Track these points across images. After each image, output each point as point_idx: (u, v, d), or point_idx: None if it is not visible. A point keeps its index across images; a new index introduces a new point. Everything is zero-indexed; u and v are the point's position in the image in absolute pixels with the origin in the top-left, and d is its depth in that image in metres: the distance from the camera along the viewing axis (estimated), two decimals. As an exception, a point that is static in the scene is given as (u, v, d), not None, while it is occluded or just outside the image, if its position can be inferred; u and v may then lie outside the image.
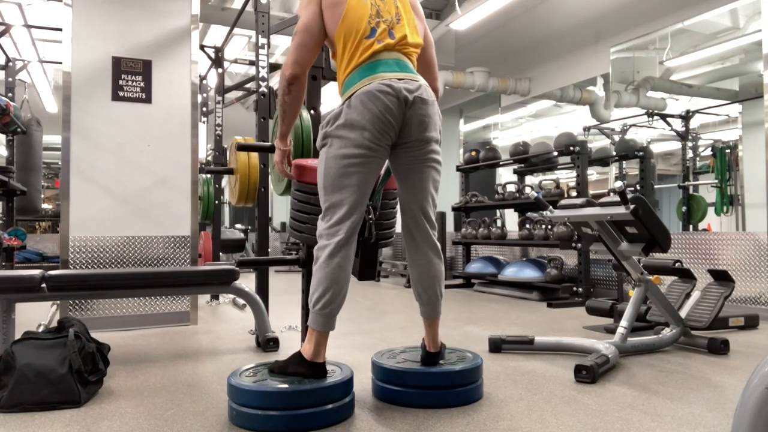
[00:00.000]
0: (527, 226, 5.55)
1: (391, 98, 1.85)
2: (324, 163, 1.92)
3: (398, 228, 2.18)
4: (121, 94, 3.67)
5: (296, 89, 2.01)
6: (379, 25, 1.95)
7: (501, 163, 6.32)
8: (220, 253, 5.70)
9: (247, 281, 3.35)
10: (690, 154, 5.86)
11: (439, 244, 2.09)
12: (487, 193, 6.53)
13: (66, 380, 2.00)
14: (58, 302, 3.57)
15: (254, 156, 3.90)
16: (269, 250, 3.67)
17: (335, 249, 1.87)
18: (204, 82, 6.54)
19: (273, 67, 4.40)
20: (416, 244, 2.05)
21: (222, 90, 5.73)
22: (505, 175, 7.26)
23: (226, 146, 5.42)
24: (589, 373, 2.30)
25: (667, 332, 2.95)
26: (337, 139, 1.89)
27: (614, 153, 5.78)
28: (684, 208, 5.69)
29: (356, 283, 6.28)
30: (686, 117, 5.73)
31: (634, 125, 6.07)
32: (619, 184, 2.61)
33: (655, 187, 5.47)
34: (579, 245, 4.84)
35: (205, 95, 6.90)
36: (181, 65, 3.82)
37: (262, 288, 3.47)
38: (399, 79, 1.89)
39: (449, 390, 2.01)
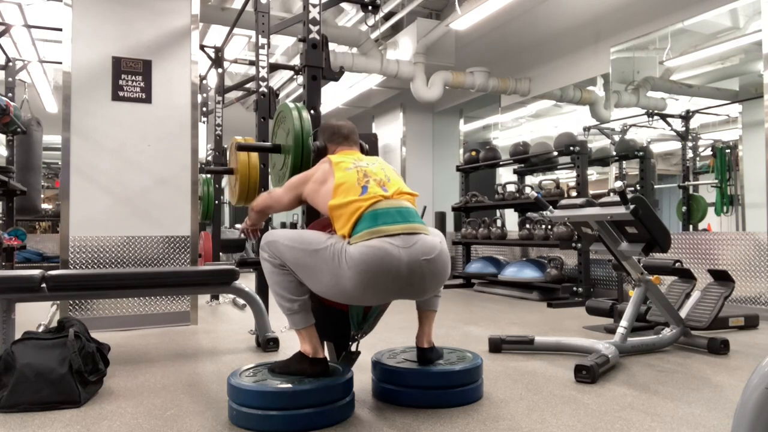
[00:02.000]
0: (527, 226, 5.55)
1: (392, 267, 1.77)
2: (326, 267, 1.82)
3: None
4: (121, 94, 3.67)
5: (258, 215, 2.32)
6: (369, 182, 1.94)
7: (501, 163, 6.31)
8: (220, 253, 5.69)
9: (247, 281, 3.35)
10: (690, 154, 5.85)
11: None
12: (487, 193, 6.53)
13: (66, 380, 2.00)
14: (58, 302, 3.57)
15: (254, 156, 3.89)
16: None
17: (282, 264, 1.92)
18: (204, 82, 6.53)
19: (273, 67, 4.39)
20: None
21: (222, 90, 5.72)
22: (505, 175, 7.26)
23: (226, 146, 5.42)
24: (589, 373, 2.30)
25: (667, 332, 2.95)
26: (346, 280, 1.79)
27: (614, 153, 5.77)
28: (684, 208, 5.68)
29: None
30: (686, 117, 5.73)
31: (634, 125, 6.07)
32: (619, 184, 2.61)
33: (655, 187, 5.47)
34: (579, 245, 4.84)
35: (205, 95, 6.90)
36: (181, 65, 3.82)
37: (262, 288, 3.47)
38: (407, 234, 1.83)
39: (449, 390, 2.01)
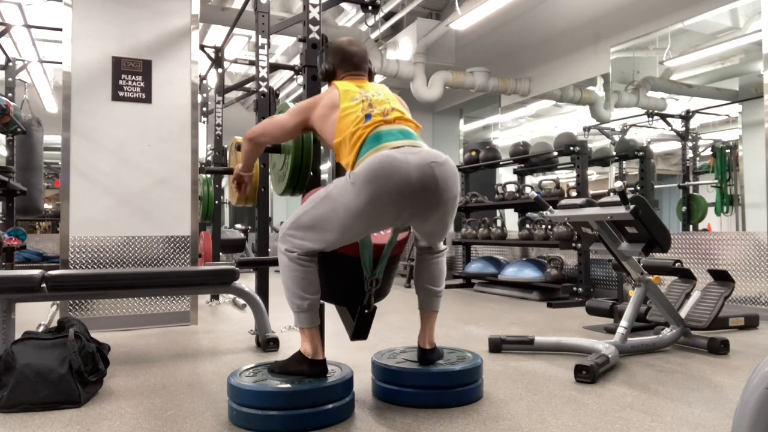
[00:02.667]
0: (527, 226, 5.55)
1: (402, 173, 1.74)
2: (325, 197, 1.85)
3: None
4: (121, 94, 3.67)
5: (252, 146, 2.16)
6: (373, 112, 1.94)
7: (501, 163, 6.32)
8: (220, 253, 5.69)
9: (247, 281, 3.35)
10: (690, 154, 5.86)
11: (445, 246, 2.15)
12: (487, 193, 6.53)
13: (66, 380, 2.00)
14: (58, 302, 3.57)
15: (254, 156, 3.89)
16: (269, 250, 3.67)
17: (301, 256, 1.88)
18: (204, 82, 6.53)
19: (273, 67, 4.39)
20: (424, 246, 2.13)
21: (222, 90, 5.72)
22: (505, 175, 7.26)
23: (226, 146, 5.42)
24: (589, 373, 2.30)
25: (667, 332, 2.95)
26: (341, 203, 1.79)
27: (614, 153, 5.78)
28: (684, 208, 5.68)
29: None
30: (686, 117, 5.73)
31: (634, 125, 6.07)
32: (619, 184, 2.61)
33: (655, 187, 5.47)
34: (579, 245, 4.84)
35: (205, 95, 6.90)
36: (181, 65, 3.82)
37: (262, 288, 3.47)
38: (412, 146, 1.84)
39: (449, 390, 2.01)
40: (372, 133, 1.88)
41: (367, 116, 1.91)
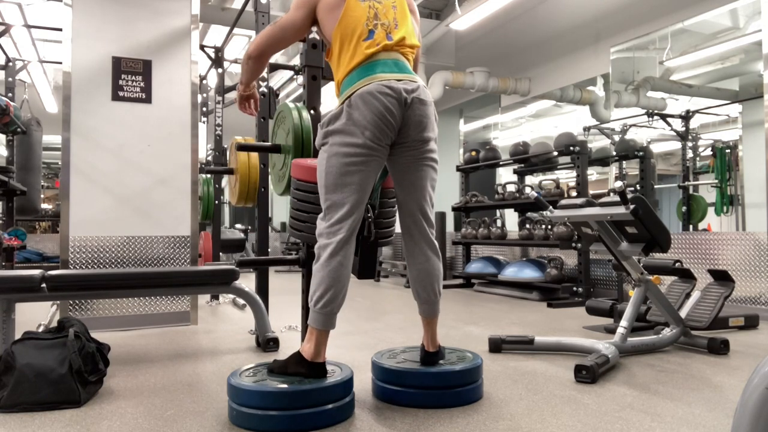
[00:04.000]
0: (527, 226, 5.55)
1: (390, 99, 1.87)
2: (324, 162, 1.93)
3: (398, 228, 2.19)
4: (121, 94, 3.67)
5: (255, 64, 2.10)
6: (377, 27, 1.96)
7: (501, 163, 6.32)
8: (220, 253, 5.69)
9: (247, 281, 3.35)
10: (690, 154, 5.86)
11: (437, 243, 2.11)
12: (487, 193, 6.53)
13: (66, 380, 2.00)
14: (58, 302, 3.57)
15: (254, 156, 3.90)
16: (269, 250, 3.67)
17: (336, 248, 1.87)
18: (204, 82, 6.54)
19: (273, 67, 4.39)
20: (414, 242, 2.07)
21: (222, 90, 5.73)
22: (505, 175, 7.26)
23: (226, 146, 5.42)
24: (589, 373, 2.30)
25: (667, 332, 2.95)
26: (338, 138, 1.89)
27: (614, 153, 5.78)
28: (684, 208, 5.69)
29: (356, 283, 6.29)
30: (686, 117, 5.73)
31: (634, 125, 6.07)
32: (619, 184, 2.61)
33: (655, 187, 5.47)
34: (579, 245, 4.84)
35: (205, 95, 6.90)
36: (181, 65, 3.82)
37: (262, 288, 3.47)
38: (398, 80, 1.91)
39: (449, 390, 2.01)
40: (368, 62, 1.92)
41: (371, 32, 1.94)
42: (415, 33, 2.11)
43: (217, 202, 5.69)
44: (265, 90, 3.66)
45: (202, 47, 5.43)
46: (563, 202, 3.07)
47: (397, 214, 2.17)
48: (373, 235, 2.10)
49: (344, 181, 1.88)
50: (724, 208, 5.39)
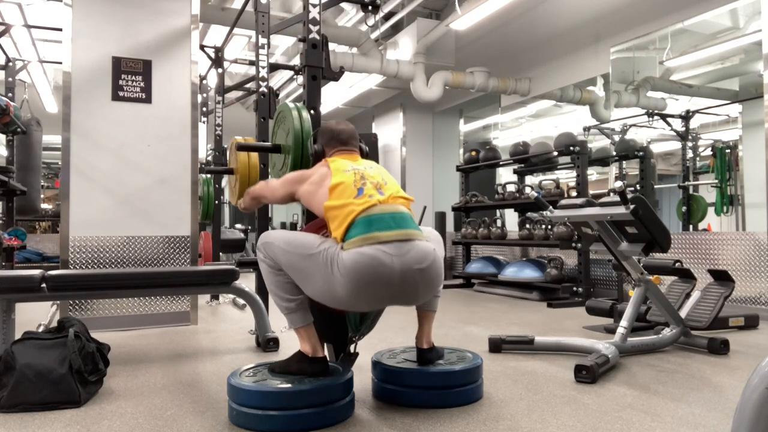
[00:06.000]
0: (527, 226, 5.55)
1: (384, 276, 1.77)
2: (319, 271, 1.83)
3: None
4: (121, 94, 3.67)
5: (252, 202, 2.31)
6: (366, 185, 1.92)
7: (501, 163, 6.31)
8: (220, 253, 5.69)
9: (247, 281, 3.35)
10: (690, 154, 5.85)
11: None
12: (487, 193, 6.53)
13: (66, 380, 2.00)
14: (58, 302, 3.57)
15: (254, 156, 3.89)
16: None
17: (274, 269, 1.94)
18: (204, 82, 6.53)
19: (273, 67, 4.39)
20: None
21: (222, 90, 5.72)
22: (505, 175, 7.25)
23: (226, 146, 5.42)
24: (589, 373, 2.30)
25: (667, 332, 2.95)
26: (338, 286, 1.79)
27: (614, 153, 5.77)
28: (684, 208, 5.68)
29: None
30: (686, 117, 5.73)
31: (634, 125, 6.06)
32: (619, 184, 2.61)
33: (655, 187, 5.47)
34: (579, 245, 4.84)
35: (205, 95, 6.90)
36: (181, 65, 3.82)
37: (262, 288, 3.46)
38: (399, 240, 1.81)
39: (449, 390, 2.01)
40: (363, 215, 1.83)
41: (360, 190, 1.89)
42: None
43: (217, 202, 5.69)
44: (265, 90, 3.65)
45: (202, 47, 5.43)
46: (563, 202, 3.07)
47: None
48: (355, 354, 2.18)
49: (314, 288, 1.87)
50: (724, 208, 5.38)
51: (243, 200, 2.37)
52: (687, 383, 2.31)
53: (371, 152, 2.37)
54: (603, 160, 6.00)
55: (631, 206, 2.58)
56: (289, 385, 1.81)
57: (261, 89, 3.66)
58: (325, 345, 2.20)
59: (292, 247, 1.89)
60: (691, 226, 5.66)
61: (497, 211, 6.74)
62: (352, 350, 2.16)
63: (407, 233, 1.84)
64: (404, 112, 8.92)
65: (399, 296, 1.86)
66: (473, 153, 6.58)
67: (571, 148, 4.96)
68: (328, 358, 2.00)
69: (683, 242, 4.50)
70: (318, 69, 2.60)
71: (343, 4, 5.88)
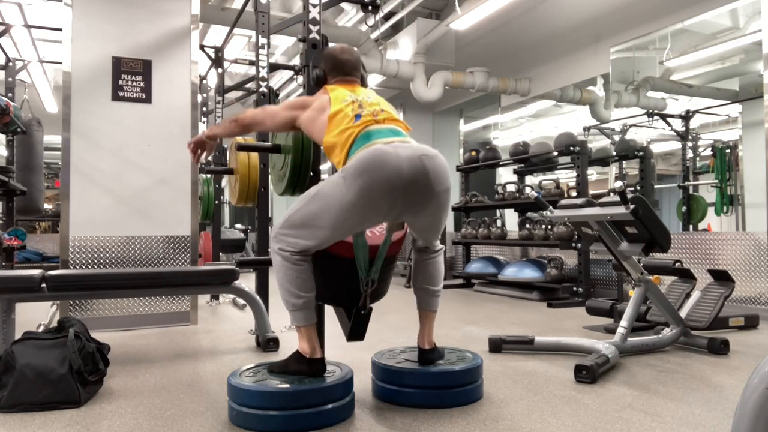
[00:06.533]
0: (527, 226, 5.55)
1: (392, 167, 1.77)
2: (318, 194, 1.86)
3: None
4: (121, 94, 3.67)
5: (237, 129, 2.18)
6: (363, 112, 1.96)
7: (501, 163, 6.32)
8: (220, 253, 5.69)
9: (247, 281, 3.35)
10: (690, 154, 5.85)
11: (442, 246, 2.15)
12: (487, 193, 6.53)
13: (66, 380, 2.00)
14: (58, 302, 3.57)
15: (254, 156, 3.89)
16: (269, 250, 3.65)
17: (288, 256, 1.88)
18: (204, 82, 6.53)
19: (273, 67, 4.39)
20: (421, 249, 2.14)
21: (222, 90, 5.73)
22: (505, 175, 7.26)
23: (226, 146, 5.42)
24: (589, 373, 2.30)
25: (667, 332, 2.95)
26: (335, 189, 1.81)
27: (614, 153, 5.77)
28: (684, 208, 5.68)
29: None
30: (686, 117, 5.73)
31: (634, 125, 6.07)
32: (619, 184, 2.61)
33: (655, 187, 5.47)
34: (579, 245, 4.84)
35: (205, 95, 6.90)
36: (181, 65, 3.82)
37: (262, 288, 3.47)
38: (402, 143, 1.86)
39: (449, 390, 2.01)
40: (362, 132, 1.90)
41: (357, 116, 1.94)
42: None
43: (217, 202, 5.69)
44: (265, 90, 3.66)
45: (202, 47, 5.43)
46: (563, 202, 3.07)
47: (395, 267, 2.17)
48: (368, 309, 2.07)
49: (323, 222, 1.83)
50: (724, 208, 5.38)
51: (223, 126, 2.24)
52: (687, 383, 2.31)
53: None
54: (603, 160, 6.00)
55: (631, 206, 2.58)
56: (289, 385, 1.81)
57: (261, 89, 3.66)
58: (337, 312, 2.18)
59: (301, 201, 1.90)
60: (691, 226, 5.66)
61: (497, 211, 6.74)
62: (363, 304, 2.05)
63: (406, 139, 1.93)
64: (404, 111, 8.92)
65: (410, 189, 1.78)
66: (473, 153, 6.58)
67: (571, 148, 4.96)
68: (325, 359, 1.99)
69: (683, 242, 4.50)
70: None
71: (343, 4, 5.87)
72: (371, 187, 1.75)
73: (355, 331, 2.10)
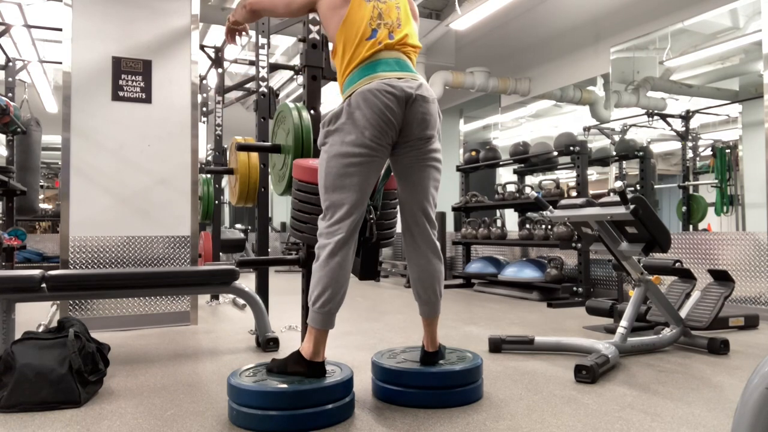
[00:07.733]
0: (527, 226, 5.55)
1: (391, 97, 1.87)
2: (325, 162, 1.93)
3: (398, 227, 2.19)
4: (121, 94, 3.67)
5: (247, 14, 2.22)
6: (381, 27, 1.97)
7: (501, 163, 6.32)
8: (220, 253, 5.69)
9: (247, 281, 3.35)
10: (690, 154, 5.85)
11: (438, 244, 2.10)
12: (487, 193, 6.53)
13: (66, 380, 2.00)
14: (58, 302, 3.57)
15: (254, 156, 3.90)
16: (269, 250, 3.67)
17: (335, 248, 1.87)
18: (204, 82, 6.53)
19: (273, 67, 4.39)
20: (416, 243, 2.06)
21: (222, 90, 5.73)
22: (505, 175, 7.26)
23: (226, 146, 5.42)
24: (589, 373, 2.30)
25: (667, 332, 2.95)
26: (338, 138, 1.90)
27: (614, 153, 5.78)
28: (684, 208, 5.68)
29: (356, 283, 6.28)
30: (686, 117, 5.73)
31: (634, 125, 6.07)
32: (619, 184, 2.61)
33: (655, 187, 5.47)
34: (579, 245, 4.84)
35: (205, 95, 6.90)
36: (181, 65, 3.82)
37: (262, 288, 3.47)
38: (399, 78, 1.91)
39: (449, 390, 2.01)
40: (370, 61, 1.93)
41: (374, 31, 1.96)
42: (416, 35, 2.13)
43: (217, 202, 5.69)
44: (265, 90, 3.66)
45: (202, 47, 5.43)
46: (563, 202, 3.07)
47: (398, 215, 2.17)
48: (374, 237, 2.08)
49: (344, 182, 1.88)
50: (724, 208, 5.38)
51: (236, 12, 2.27)
52: (687, 383, 2.31)
53: None
54: (603, 160, 6.00)
55: (631, 206, 2.58)
56: (289, 385, 1.81)
57: (261, 89, 3.66)
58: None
59: (320, 174, 1.94)
60: (691, 226, 5.66)
61: (497, 211, 6.74)
62: (369, 233, 2.06)
63: (411, 74, 1.97)
64: (404, 112, 8.91)
65: (407, 119, 1.90)
66: (473, 153, 6.58)
67: (571, 148, 4.97)
68: (325, 362, 1.97)
69: (683, 242, 4.50)
70: (318, 69, 2.60)
71: (343, 4, 5.86)
72: (375, 105, 1.85)
73: (366, 266, 2.10)
